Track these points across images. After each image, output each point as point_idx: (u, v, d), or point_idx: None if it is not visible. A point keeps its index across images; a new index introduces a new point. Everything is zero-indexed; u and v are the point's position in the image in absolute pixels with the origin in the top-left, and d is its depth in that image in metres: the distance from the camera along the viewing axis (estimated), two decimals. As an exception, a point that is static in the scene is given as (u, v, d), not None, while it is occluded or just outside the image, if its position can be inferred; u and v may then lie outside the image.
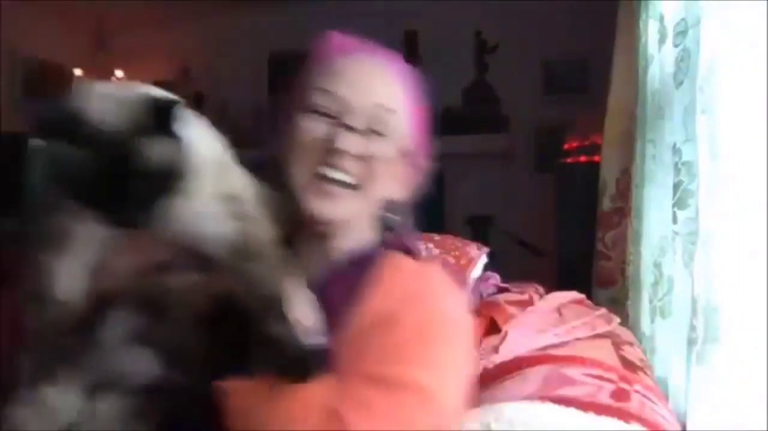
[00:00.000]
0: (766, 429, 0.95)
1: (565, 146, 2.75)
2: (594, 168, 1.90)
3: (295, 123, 0.78)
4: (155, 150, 0.60)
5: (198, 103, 4.11)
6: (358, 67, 0.80)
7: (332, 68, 0.80)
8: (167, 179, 0.61)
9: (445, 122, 3.55)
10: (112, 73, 4.41)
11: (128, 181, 0.59)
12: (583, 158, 2.58)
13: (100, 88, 0.64)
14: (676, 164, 1.18)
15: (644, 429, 0.88)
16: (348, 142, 0.75)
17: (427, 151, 0.88)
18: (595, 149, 2.14)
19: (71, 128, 0.58)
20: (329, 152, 0.75)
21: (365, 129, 0.77)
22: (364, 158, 0.76)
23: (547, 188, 3.03)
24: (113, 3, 3.92)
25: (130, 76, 4.45)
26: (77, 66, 4.37)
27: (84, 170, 0.58)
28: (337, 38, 0.85)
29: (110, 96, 0.62)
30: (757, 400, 0.97)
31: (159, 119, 0.60)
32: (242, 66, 4.19)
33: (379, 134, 0.78)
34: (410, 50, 3.73)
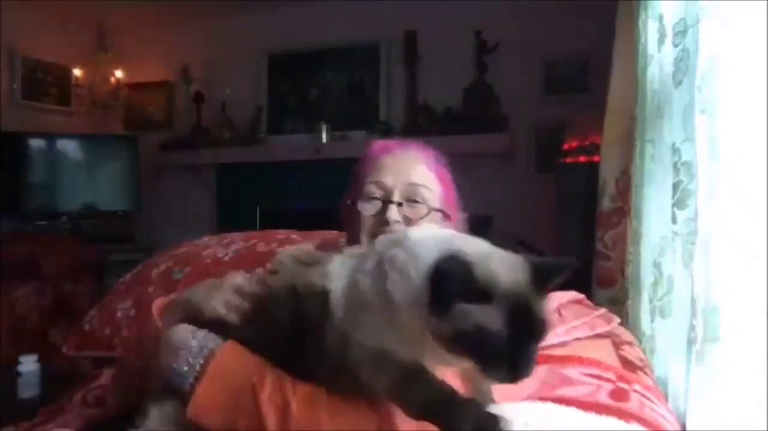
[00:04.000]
0: (766, 429, 0.95)
1: (565, 146, 2.75)
2: (594, 168, 1.90)
3: (358, 207, 1.09)
4: (541, 307, 0.63)
5: (198, 103, 4.12)
6: (394, 160, 1.11)
7: (377, 164, 1.11)
8: (543, 334, 0.64)
9: (445, 122, 3.55)
10: (112, 74, 4.41)
11: (530, 339, 0.62)
12: (583, 158, 2.57)
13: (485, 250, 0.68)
14: (675, 164, 1.18)
15: (644, 428, 0.88)
16: (393, 213, 1.05)
17: (455, 206, 1.15)
18: (595, 149, 2.13)
19: (485, 288, 0.61)
20: (382, 222, 1.05)
21: (405, 201, 1.07)
22: (408, 220, 1.05)
23: (547, 188, 3.03)
24: (113, 3, 3.92)
25: (130, 76, 4.46)
26: (77, 66, 4.37)
27: (493, 329, 0.60)
28: (380, 143, 1.18)
29: (504, 259, 0.66)
30: (756, 400, 0.97)
31: (538, 280, 0.64)
32: (242, 66, 4.19)
33: (415, 201, 1.08)
34: (410, 50, 3.73)
